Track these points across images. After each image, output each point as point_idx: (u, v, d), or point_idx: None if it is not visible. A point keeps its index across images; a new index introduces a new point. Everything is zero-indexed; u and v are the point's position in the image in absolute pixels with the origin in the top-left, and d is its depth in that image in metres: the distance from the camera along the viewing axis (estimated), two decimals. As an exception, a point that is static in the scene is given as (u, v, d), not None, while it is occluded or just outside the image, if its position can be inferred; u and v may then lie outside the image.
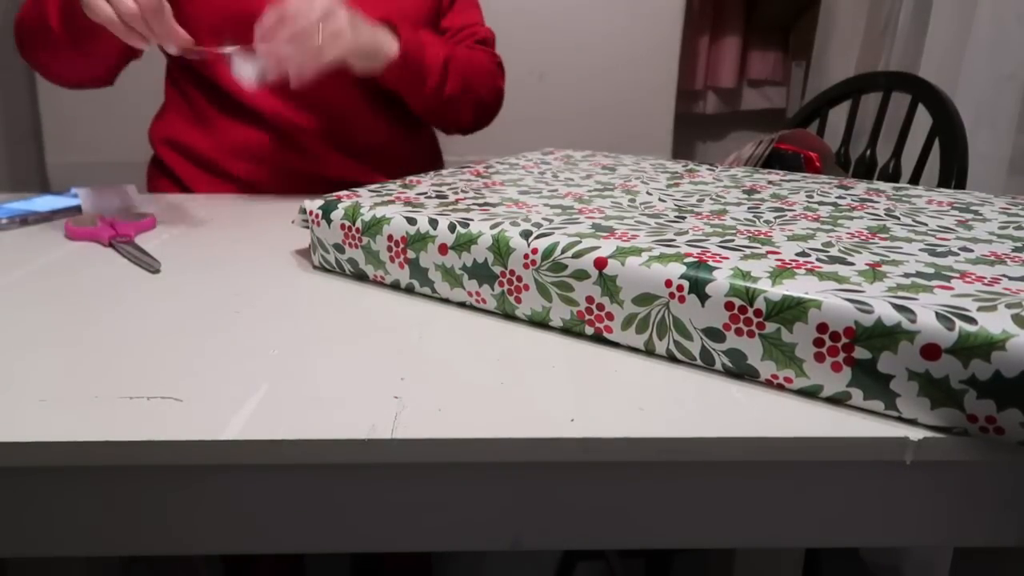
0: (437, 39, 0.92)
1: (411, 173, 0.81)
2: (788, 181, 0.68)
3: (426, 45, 0.88)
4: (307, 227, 0.60)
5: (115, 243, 0.69)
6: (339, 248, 0.58)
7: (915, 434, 0.35)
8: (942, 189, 0.65)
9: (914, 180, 1.06)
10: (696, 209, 0.56)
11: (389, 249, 0.54)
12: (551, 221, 0.51)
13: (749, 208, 0.57)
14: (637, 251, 0.44)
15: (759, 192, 0.63)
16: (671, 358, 0.44)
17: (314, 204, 0.59)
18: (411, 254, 0.53)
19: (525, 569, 1.27)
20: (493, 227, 0.50)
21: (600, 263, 0.44)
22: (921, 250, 0.46)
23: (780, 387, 0.40)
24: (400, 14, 0.91)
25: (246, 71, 0.76)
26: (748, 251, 0.45)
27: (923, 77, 1.10)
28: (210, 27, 0.88)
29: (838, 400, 0.38)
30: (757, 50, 2.09)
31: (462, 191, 0.62)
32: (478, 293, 0.51)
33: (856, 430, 0.36)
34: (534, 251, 0.47)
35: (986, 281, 0.40)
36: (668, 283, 0.42)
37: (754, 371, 0.40)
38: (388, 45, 0.84)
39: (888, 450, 0.36)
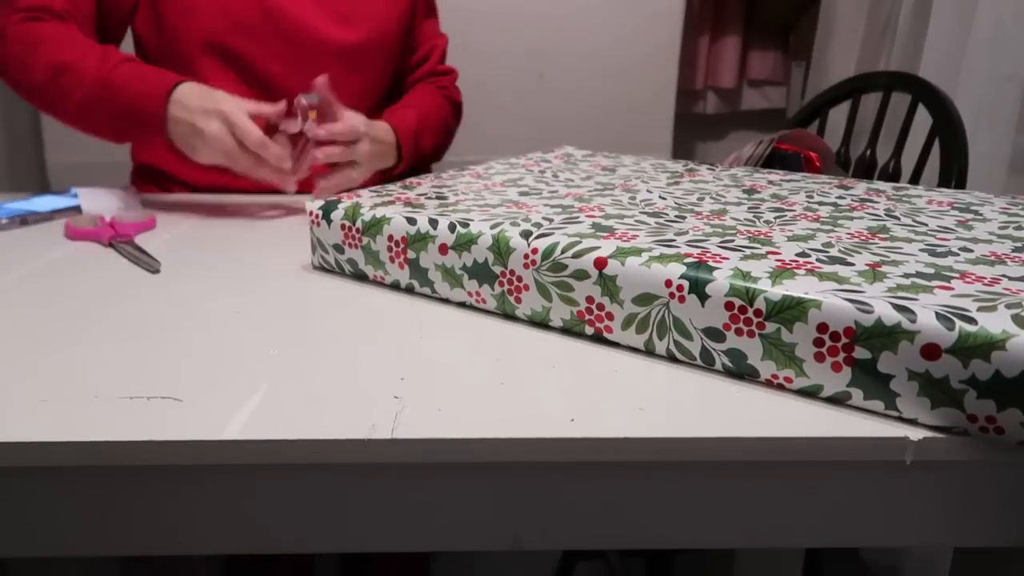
0: (426, 127, 1.00)
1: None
2: (788, 181, 0.68)
3: (420, 145, 0.98)
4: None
5: (115, 243, 0.69)
6: (339, 248, 0.58)
7: (915, 434, 0.35)
8: (942, 189, 0.65)
9: (914, 180, 1.06)
10: (696, 209, 0.56)
11: (389, 249, 0.54)
12: (551, 221, 0.51)
13: (749, 208, 0.57)
14: (637, 251, 0.44)
15: (759, 192, 0.63)
16: (671, 358, 0.44)
17: (314, 204, 0.59)
18: (411, 254, 0.53)
19: (525, 569, 1.26)
20: (493, 227, 0.50)
21: (600, 263, 0.44)
22: (921, 250, 0.46)
23: (780, 387, 0.40)
24: (382, 29, 0.98)
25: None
26: (748, 251, 0.45)
27: (923, 77, 1.10)
28: (201, 44, 0.91)
29: (838, 400, 0.38)
30: (757, 50, 2.09)
31: (462, 192, 0.62)
32: (478, 293, 0.51)
33: (856, 430, 0.36)
34: (534, 251, 0.47)
35: (986, 281, 0.40)
36: (668, 283, 0.42)
37: (754, 371, 0.40)
38: (392, 160, 0.94)
39: (888, 450, 0.36)
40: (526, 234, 0.48)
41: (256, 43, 0.91)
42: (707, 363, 0.42)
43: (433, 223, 0.52)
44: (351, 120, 0.83)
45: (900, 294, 0.38)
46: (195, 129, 0.75)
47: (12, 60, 0.80)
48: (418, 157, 0.99)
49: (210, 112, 0.75)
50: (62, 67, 0.77)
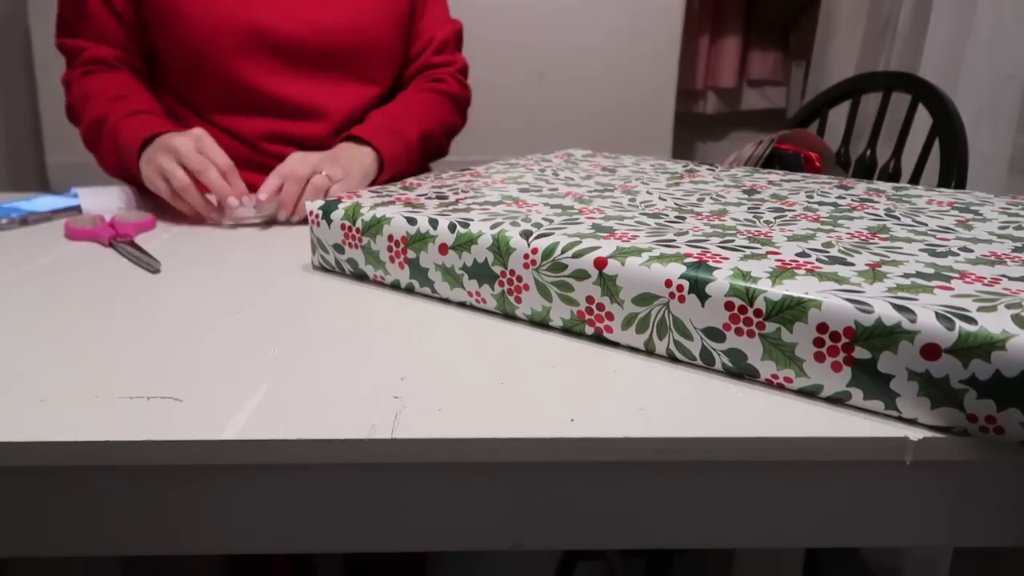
0: (410, 126, 0.96)
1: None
2: (788, 181, 0.68)
3: (404, 151, 0.94)
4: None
5: (115, 243, 0.69)
6: (339, 248, 0.58)
7: (915, 434, 0.35)
8: (942, 189, 0.65)
9: (914, 180, 1.06)
10: (696, 209, 0.56)
11: (389, 249, 0.54)
12: (551, 221, 0.51)
13: (749, 208, 0.57)
14: (637, 251, 0.44)
15: (759, 192, 0.63)
16: (671, 358, 0.44)
17: (314, 204, 0.59)
18: (411, 254, 0.53)
19: (525, 569, 1.26)
20: (493, 227, 0.50)
21: (600, 263, 0.44)
22: (921, 250, 0.46)
23: (780, 387, 0.40)
24: (376, 11, 0.98)
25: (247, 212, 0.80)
26: (748, 251, 0.45)
27: (923, 77, 1.10)
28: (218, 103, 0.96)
29: (838, 400, 0.38)
30: (757, 50, 2.09)
31: (462, 192, 0.62)
32: (478, 293, 0.51)
33: (856, 430, 0.36)
34: (534, 251, 0.47)
35: (986, 281, 0.40)
36: (668, 283, 0.42)
37: (754, 371, 0.40)
38: (372, 171, 0.89)
39: (888, 450, 0.36)
40: (526, 234, 0.48)
41: (240, 57, 0.93)
42: (707, 363, 0.42)
43: (433, 223, 0.52)
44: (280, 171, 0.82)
45: (900, 294, 0.38)
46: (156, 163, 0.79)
47: (74, 112, 0.95)
48: (406, 150, 0.94)
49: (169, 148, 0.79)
50: (97, 123, 0.89)
